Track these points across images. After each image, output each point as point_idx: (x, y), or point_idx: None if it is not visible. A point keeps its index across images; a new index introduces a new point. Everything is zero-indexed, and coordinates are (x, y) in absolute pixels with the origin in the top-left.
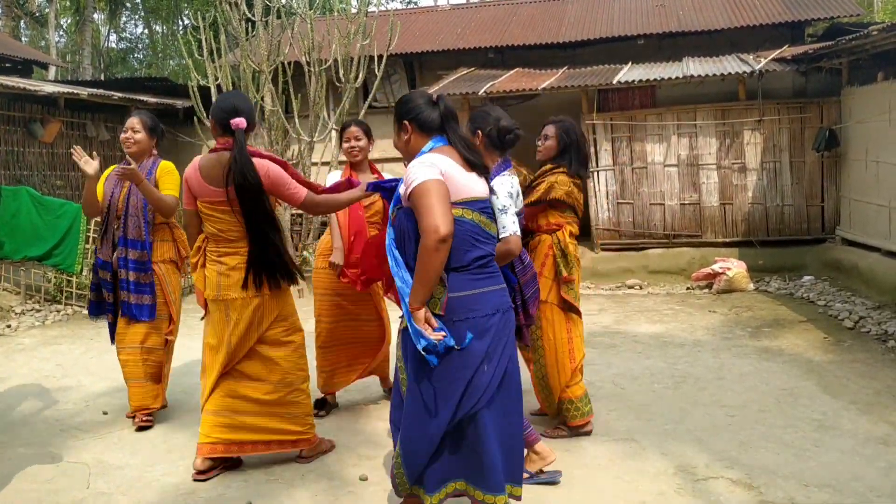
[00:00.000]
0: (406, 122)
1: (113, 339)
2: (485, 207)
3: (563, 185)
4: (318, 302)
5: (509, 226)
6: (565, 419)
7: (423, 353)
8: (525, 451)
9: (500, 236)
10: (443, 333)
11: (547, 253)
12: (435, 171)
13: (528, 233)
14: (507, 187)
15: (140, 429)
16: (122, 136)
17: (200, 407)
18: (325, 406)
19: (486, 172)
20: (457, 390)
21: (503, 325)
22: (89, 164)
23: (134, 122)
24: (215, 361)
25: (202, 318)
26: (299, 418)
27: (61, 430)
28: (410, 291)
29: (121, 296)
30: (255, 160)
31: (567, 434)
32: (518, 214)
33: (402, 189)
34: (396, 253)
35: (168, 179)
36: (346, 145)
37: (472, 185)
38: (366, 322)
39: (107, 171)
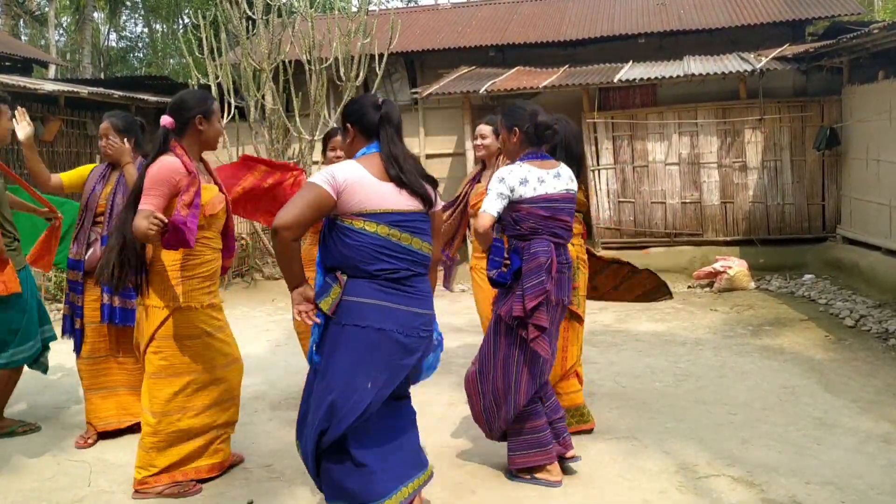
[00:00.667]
0: (348, 125)
1: (79, 348)
2: (403, 221)
3: None
4: None
5: (484, 204)
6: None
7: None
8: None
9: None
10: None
11: None
12: (328, 178)
13: None
14: (502, 173)
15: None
16: (100, 143)
17: None
18: None
19: (407, 185)
20: (325, 399)
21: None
22: (22, 130)
23: (104, 127)
24: None
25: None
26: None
27: (62, 429)
28: None
29: (102, 299)
30: (165, 158)
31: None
32: (542, 203)
33: None
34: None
35: None
36: (331, 154)
37: (385, 197)
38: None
39: (90, 167)
